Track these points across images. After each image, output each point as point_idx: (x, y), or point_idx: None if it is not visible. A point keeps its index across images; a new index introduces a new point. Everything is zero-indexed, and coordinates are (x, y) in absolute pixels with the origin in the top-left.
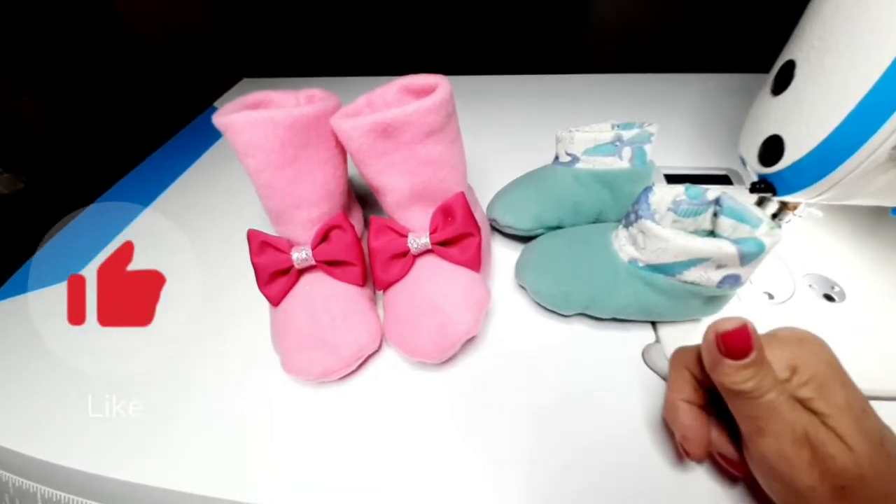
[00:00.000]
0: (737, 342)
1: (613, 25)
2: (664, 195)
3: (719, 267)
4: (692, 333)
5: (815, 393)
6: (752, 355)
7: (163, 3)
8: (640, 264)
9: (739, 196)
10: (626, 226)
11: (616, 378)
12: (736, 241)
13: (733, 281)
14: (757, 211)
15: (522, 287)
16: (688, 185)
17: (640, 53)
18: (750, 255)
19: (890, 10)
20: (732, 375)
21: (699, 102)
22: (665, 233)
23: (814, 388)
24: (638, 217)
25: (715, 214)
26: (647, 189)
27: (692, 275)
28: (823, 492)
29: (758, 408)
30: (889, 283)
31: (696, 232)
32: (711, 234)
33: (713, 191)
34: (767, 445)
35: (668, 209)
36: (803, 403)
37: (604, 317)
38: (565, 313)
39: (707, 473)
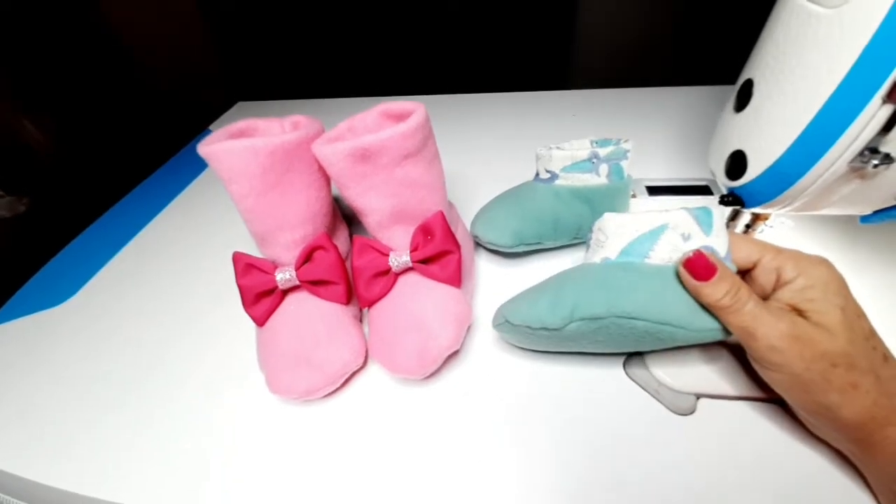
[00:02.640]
0: (699, 266)
1: (597, 42)
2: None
3: (686, 238)
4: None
5: (817, 295)
6: (718, 273)
7: (162, 29)
8: (613, 257)
9: (711, 207)
10: (588, 247)
11: (599, 389)
12: (687, 208)
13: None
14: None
15: (508, 322)
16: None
17: (622, 69)
18: (702, 216)
19: (838, 30)
20: (712, 294)
21: (681, 115)
22: (615, 215)
23: (817, 291)
24: (592, 230)
25: None
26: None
27: (663, 249)
28: (818, 370)
29: (743, 317)
30: (868, 287)
31: None
32: None
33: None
34: (760, 345)
35: None
36: (802, 304)
37: (599, 312)
38: (556, 325)
39: (690, 476)
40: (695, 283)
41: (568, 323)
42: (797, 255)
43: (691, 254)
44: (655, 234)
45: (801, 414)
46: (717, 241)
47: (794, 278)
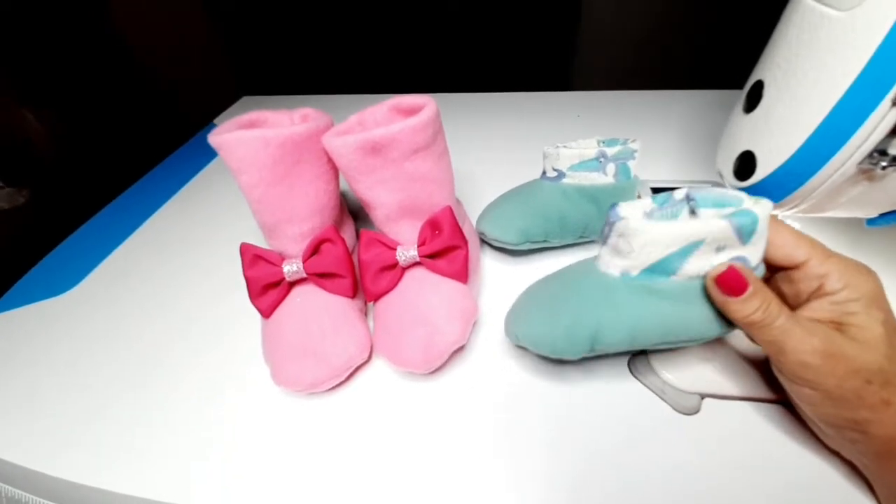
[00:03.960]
0: (730, 281)
1: (603, 45)
2: (633, 208)
3: (719, 249)
4: None
5: (859, 308)
6: (750, 289)
7: (165, 21)
8: (635, 273)
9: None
10: (604, 242)
11: (603, 388)
12: (725, 216)
13: (743, 265)
14: (734, 192)
15: (521, 347)
16: (653, 195)
17: (628, 71)
18: (745, 227)
19: (850, 33)
20: (742, 310)
21: (686, 118)
22: (646, 224)
23: (860, 305)
24: (611, 225)
25: (692, 211)
26: (613, 205)
27: (693, 265)
28: (851, 387)
29: (772, 332)
30: None
31: None
32: None
33: (679, 190)
34: (789, 360)
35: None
36: (843, 317)
37: (620, 347)
38: (573, 357)
39: (693, 476)
40: (723, 299)
41: (587, 353)
42: (844, 264)
43: (724, 268)
44: (688, 249)
45: (819, 425)
46: (753, 251)
47: (839, 290)
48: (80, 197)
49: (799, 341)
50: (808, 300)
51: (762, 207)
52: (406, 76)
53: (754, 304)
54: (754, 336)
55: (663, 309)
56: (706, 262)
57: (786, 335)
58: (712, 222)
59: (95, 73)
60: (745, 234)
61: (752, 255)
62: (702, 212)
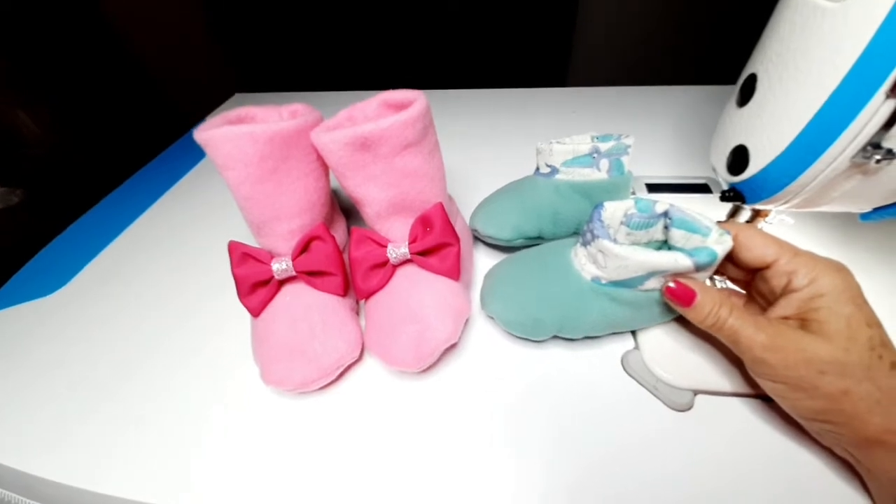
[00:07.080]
0: (680, 295)
1: (597, 41)
2: (615, 210)
3: (677, 275)
4: (669, 338)
5: (824, 304)
6: (697, 300)
7: (160, 21)
8: (604, 282)
9: (710, 205)
10: (584, 244)
11: (596, 384)
12: (690, 254)
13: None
14: (705, 220)
15: (491, 317)
16: (637, 197)
17: (622, 67)
18: (704, 265)
19: (842, 24)
20: (696, 317)
21: (680, 114)
22: (624, 251)
23: (826, 300)
24: (595, 237)
25: (665, 227)
26: (598, 206)
27: (652, 283)
28: (805, 376)
29: (725, 331)
30: (866, 286)
31: (650, 243)
32: (665, 243)
33: (661, 203)
34: (745, 357)
35: (622, 223)
36: (808, 313)
37: (576, 337)
38: (537, 339)
39: (686, 472)
40: (681, 310)
41: (550, 338)
42: (812, 261)
43: (672, 283)
44: (652, 274)
45: (800, 420)
46: (704, 275)
47: (804, 286)
48: (74, 196)
49: (748, 339)
50: (779, 296)
51: (723, 246)
52: (401, 72)
53: (704, 311)
54: (717, 336)
55: (618, 313)
56: (663, 281)
57: (737, 334)
58: (679, 259)
59: (89, 73)
60: (701, 269)
61: (702, 278)
62: (673, 231)
